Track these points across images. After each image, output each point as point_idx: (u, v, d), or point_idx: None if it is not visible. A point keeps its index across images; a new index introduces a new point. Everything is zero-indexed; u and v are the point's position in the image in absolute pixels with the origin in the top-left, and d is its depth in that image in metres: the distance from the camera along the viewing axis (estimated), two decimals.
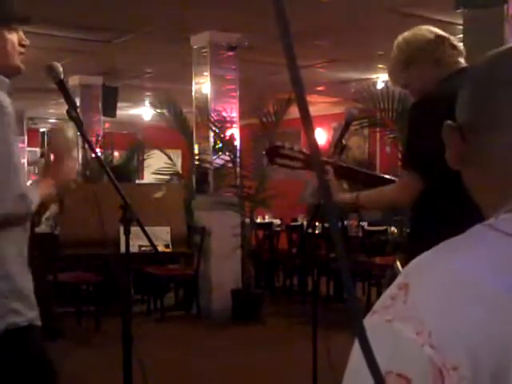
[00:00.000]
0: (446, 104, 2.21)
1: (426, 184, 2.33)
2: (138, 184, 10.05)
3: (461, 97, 0.87)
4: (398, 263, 2.45)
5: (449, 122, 0.86)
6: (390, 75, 2.63)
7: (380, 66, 9.27)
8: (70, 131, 2.33)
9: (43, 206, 2.22)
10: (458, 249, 0.77)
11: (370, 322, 0.73)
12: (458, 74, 2.35)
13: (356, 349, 0.71)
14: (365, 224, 8.36)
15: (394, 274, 2.29)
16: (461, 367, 0.66)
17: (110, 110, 10.54)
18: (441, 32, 2.49)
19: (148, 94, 12.25)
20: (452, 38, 2.48)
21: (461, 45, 2.49)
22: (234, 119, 7.92)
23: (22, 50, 2.20)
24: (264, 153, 2.80)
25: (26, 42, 2.21)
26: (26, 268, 2.17)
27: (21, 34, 2.20)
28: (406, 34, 2.54)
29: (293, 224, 9.43)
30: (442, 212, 2.33)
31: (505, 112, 0.80)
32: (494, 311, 0.68)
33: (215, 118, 7.71)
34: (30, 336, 2.11)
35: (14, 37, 2.17)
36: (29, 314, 2.10)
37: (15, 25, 2.19)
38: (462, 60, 2.45)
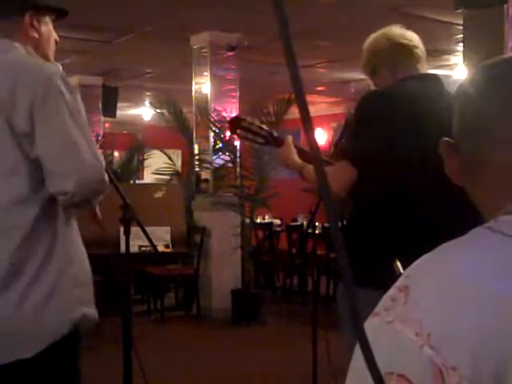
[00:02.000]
0: (395, 103, 2.25)
1: (363, 183, 2.25)
2: (138, 184, 10.05)
3: (455, 106, 0.87)
4: (398, 263, 2.43)
5: (445, 138, 0.86)
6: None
7: None
8: None
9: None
10: (458, 251, 0.77)
11: (371, 323, 0.73)
12: (410, 79, 2.35)
13: (359, 348, 0.71)
14: None
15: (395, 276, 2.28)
16: (460, 367, 0.66)
17: (110, 110, 10.53)
18: (398, 39, 2.41)
19: (148, 93, 12.24)
20: (411, 42, 2.41)
21: (419, 50, 2.42)
22: None
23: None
24: (227, 123, 2.74)
25: (57, 38, 2.05)
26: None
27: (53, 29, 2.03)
28: (374, 36, 2.47)
29: (293, 224, 9.42)
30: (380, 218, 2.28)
31: (501, 113, 0.80)
32: (493, 312, 0.68)
33: (215, 118, 7.70)
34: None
35: (51, 28, 2.00)
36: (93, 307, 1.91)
37: (54, 16, 2.02)
38: (419, 66, 2.40)
